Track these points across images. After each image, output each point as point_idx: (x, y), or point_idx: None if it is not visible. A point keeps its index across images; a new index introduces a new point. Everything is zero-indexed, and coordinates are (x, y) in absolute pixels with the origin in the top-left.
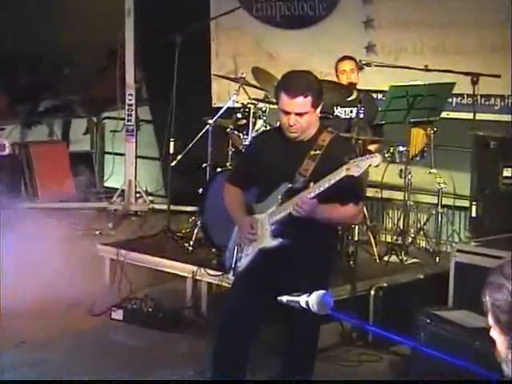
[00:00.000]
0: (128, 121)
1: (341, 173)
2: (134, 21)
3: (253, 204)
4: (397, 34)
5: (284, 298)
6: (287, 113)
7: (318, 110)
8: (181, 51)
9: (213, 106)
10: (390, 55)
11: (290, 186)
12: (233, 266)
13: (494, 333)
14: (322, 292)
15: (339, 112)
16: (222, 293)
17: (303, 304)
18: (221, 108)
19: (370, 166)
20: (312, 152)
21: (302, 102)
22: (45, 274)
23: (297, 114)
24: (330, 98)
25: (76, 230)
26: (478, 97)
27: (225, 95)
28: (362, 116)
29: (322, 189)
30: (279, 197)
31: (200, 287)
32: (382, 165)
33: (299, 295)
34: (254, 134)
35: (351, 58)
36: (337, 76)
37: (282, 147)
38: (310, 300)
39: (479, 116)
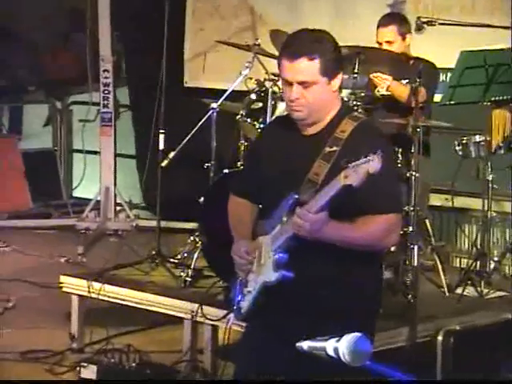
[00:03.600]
0: (104, 106)
1: (338, 182)
2: None
3: (258, 222)
4: None
5: (305, 345)
6: (289, 83)
7: (336, 82)
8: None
9: (184, 85)
10: (424, 15)
11: (296, 197)
12: (236, 306)
13: None
14: (355, 335)
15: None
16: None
17: (331, 352)
18: (194, 89)
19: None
20: (327, 149)
21: (307, 66)
22: None
23: (300, 84)
24: (372, 72)
25: (33, 258)
26: None
27: (199, 72)
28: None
29: (320, 203)
30: (284, 213)
31: (202, 332)
32: (454, 162)
33: (325, 340)
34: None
35: (390, 21)
36: None
37: (291, 143)
38: (341, 346)
39: None
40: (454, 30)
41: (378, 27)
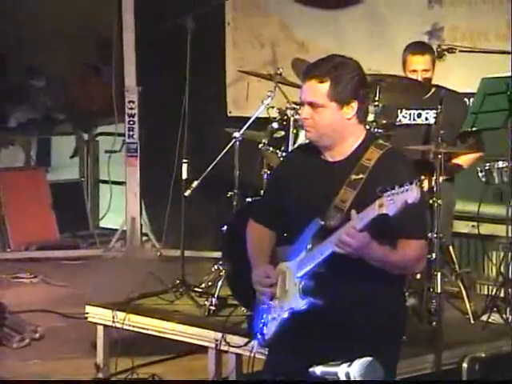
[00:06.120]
0: (129, 137)
1: (372, 211)
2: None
3: (279, 248)
4: (473, 11)
5: (318, 370)
6: (302, 103)
7: (349, 110)
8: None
9: (228, 114)
10: (462, 42)
11: (321, 223)
12: (259, 333)
13: None
14: (366, 359)
15: (403, 116)
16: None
17: (342, 376)
18: (237, 118)
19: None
20: (353, 176)
21: (315, 88)
22: (15, 348)
23: (309, 105)
24: (394, 100)
25: (60, 288)
26: None
27: (242, 101)
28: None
29: (360, 226)
30: (309, 239)
31: (227, 361)
32: (478, 188)
33: (337, 365)
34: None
35: (426, 50)
36: (404, 73)
37: (315, 170)
38: (352, 371)
39: None
40: (481, 57)
41: (411, 54)
